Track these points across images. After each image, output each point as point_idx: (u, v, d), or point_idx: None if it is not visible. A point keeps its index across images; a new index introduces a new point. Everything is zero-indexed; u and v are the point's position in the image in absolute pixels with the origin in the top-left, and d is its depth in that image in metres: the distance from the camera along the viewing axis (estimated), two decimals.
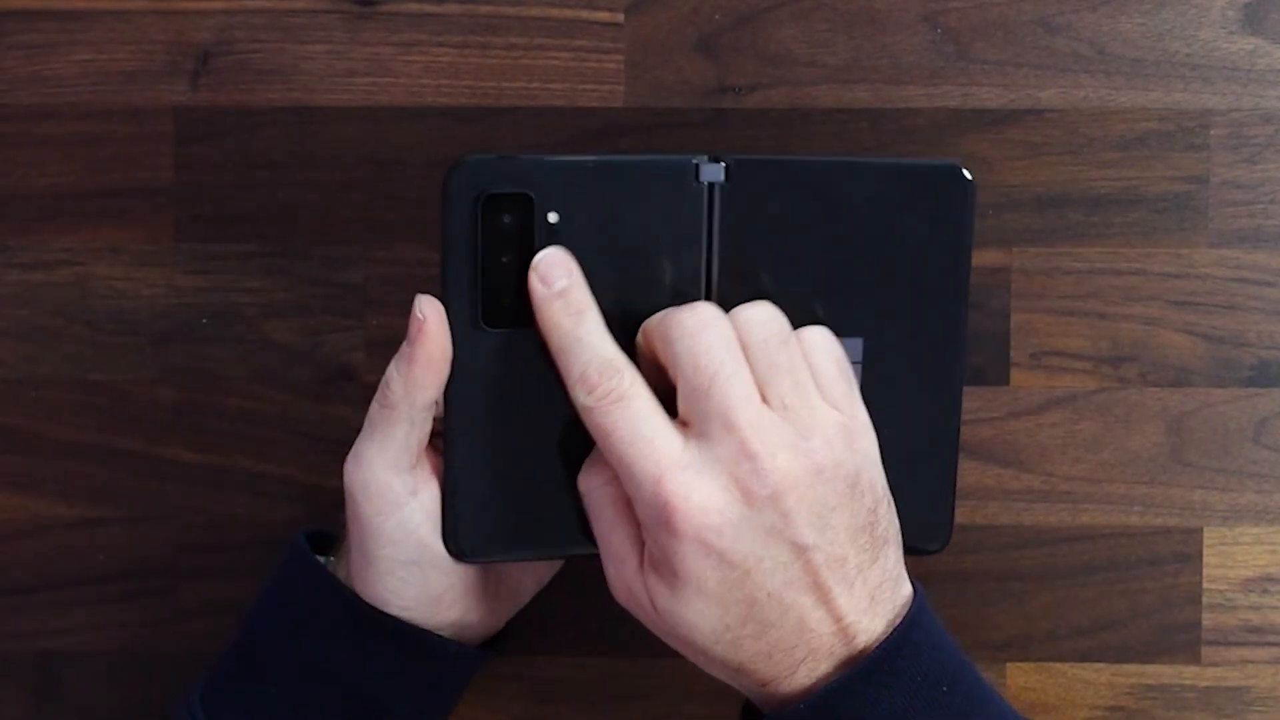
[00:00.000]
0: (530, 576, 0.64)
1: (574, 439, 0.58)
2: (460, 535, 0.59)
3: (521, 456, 0.59)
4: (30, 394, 0.68)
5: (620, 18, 0.67)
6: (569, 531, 0.59)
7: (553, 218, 0.57)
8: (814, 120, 0.67)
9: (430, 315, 0.57)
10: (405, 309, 0.67)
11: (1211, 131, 0.67)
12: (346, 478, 0.59)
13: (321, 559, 0.62)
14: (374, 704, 0.60)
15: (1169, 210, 0.67)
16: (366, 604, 0.59)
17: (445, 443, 0.58)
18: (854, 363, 0.58)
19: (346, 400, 0.68)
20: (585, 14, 0.67)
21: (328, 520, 0.65)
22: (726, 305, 0.57)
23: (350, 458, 0.59)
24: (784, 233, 0.58)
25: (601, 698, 0.68)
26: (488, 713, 0.68)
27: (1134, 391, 0.67)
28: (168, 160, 0.68)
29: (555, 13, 0.67)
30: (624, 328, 0.57)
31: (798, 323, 0.57)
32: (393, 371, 0.57)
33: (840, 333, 0.57)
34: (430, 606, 0.60)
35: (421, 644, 0.60)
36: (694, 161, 0.58)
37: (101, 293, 0.68)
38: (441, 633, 0.61)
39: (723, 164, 0.58)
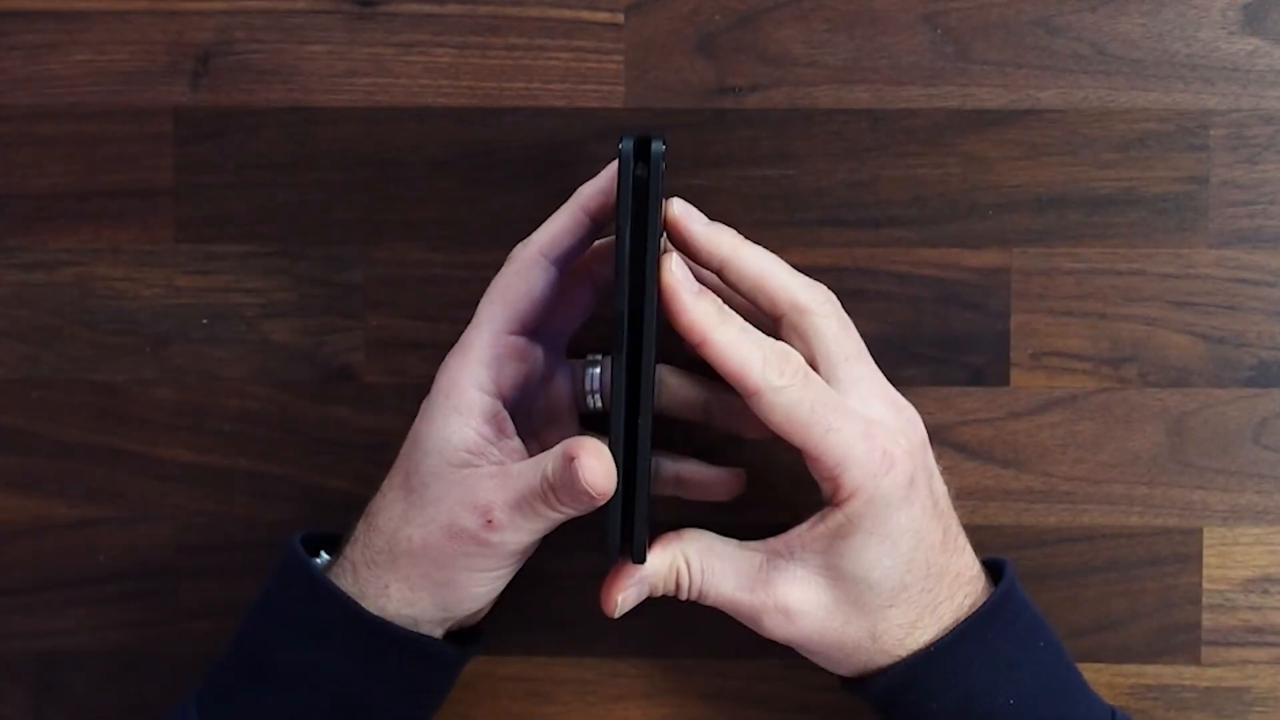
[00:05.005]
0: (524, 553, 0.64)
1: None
2: (641, 541, 0.59)
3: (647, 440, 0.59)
4: (30, 394, 0.68)
5: (620, 18, 0.67)
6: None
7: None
8: (814, 120, 0.67)
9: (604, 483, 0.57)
10: (405, 309, 0.68)
11: (1211, 132, 0.67)
12: (505, 534, 0.59)
13: (318, 560, 0.62)
14: (366, 707, 0.61)
15: (1169, 210, 0.67)
16: (362, 609, 0.60)
17: (627, 456, 0.58)
18: None
19: (346, 400, 0.68)
20: (585, 14, 0.67)
21: (328, 521, 0.65)
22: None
23: (511, 523, 0.58)
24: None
25: (601, 698, 0.68)
26: (488, 713, 0.68)
27: (1134, 391, 0.67)
28: (168, 160, 0.68)
29: (555, 13, 0.67)
30: (643, 279, 0.58)
31: None
32: (563, 493, 0.57)
33: None
34: (483, 601, 0.61)
35: (416, 647, 0.60)
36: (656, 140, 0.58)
37: (101, 293, 0.68)
38: (444, 623, 0.61)
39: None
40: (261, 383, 0.68)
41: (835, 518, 0.59)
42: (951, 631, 0.60)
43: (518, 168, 0.67)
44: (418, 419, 0.61)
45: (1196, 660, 0.67)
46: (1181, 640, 0.67)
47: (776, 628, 0.60)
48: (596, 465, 0.56)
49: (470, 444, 0.59)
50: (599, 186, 0.61)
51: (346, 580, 0.60)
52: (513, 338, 0.60)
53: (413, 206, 0.68)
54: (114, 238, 0.68)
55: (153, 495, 0.68)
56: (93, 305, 0.68)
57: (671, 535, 0.61)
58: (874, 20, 0.67)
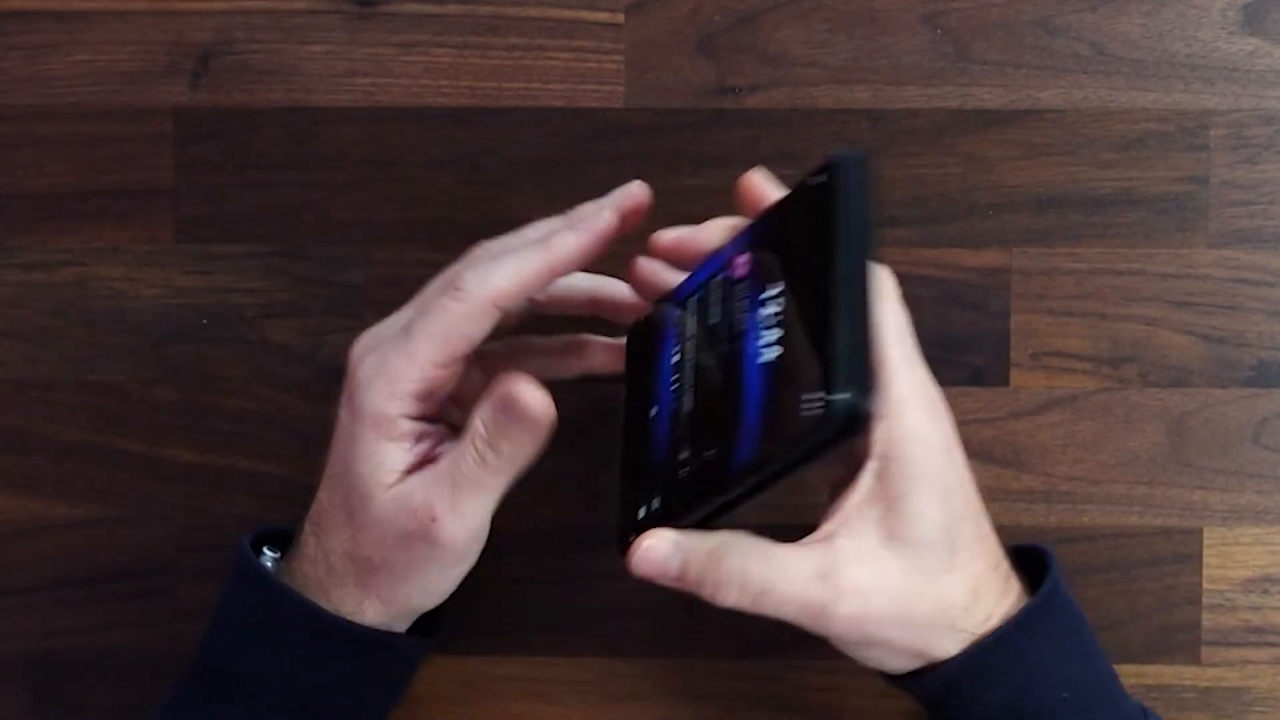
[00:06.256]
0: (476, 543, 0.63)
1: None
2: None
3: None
4: (30, 394, 0.68)
5: (620, 18, 0.67)
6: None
7: None
8: (814, 121, 0.67)
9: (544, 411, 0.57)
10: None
11: (1211, 132, 0.67)
12: (450, 526, 0.58)
13: (270, 557, 0.62)
14: (331, 707, 0.61)
15: (1169, 210, 0.67)
16: (321, 610, 0.59)
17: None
18: None
19: None
20: (585, 14, 0.67)
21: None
22: None
23: (454, 511, 0.58)
24: None
25: (601, 698, 0.68)
26: (488, 713, 0.68)
27: (1134, 392, 0.67)
28: (168, 160, 0.68)
29: (555, 13, 0.67)
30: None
31: None
32: (502, 440, 0.58)
33: None
34: (443, 597, 0.61)
35: (375, 643, 0.60)
36: None
37: (101, 293, 0.68)
38: (394, 621, 0.61)
39: None
40: (261, 383, 0.68)
41: (892, 470, 0.56)
42: (1001, 626, 0.58)
43: (518, 168, 0.67)
44: (343, 440, 0.59)
45: (1196, 660, 0.67)
46: (1181, 640, 0.67)
47: (851, 611, 0.56)
48: (532, 388, 0.57)
49: (404, 465, 0.59)
50: (577, 247, 0.59)
51: (301, 568, 0.60)
52: (442, 370, 0.59)
53: (413, 206, 0.68)
54: (114, 238, 0.68)
55: (153, 495, 0.68)
56: (93, 305, 0.68)
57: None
58: (874, 20, 0.67)
